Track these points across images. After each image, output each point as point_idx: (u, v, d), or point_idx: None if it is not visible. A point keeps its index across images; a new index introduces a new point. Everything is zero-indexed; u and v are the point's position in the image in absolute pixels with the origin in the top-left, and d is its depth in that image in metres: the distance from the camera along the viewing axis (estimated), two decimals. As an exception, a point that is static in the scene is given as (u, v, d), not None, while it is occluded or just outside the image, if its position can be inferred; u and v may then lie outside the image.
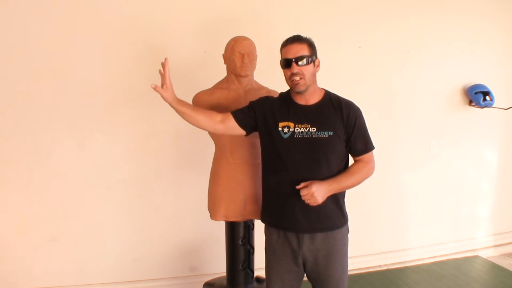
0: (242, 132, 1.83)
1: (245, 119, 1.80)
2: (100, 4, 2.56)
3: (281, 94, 1.86)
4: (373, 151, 1.81)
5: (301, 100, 1.75)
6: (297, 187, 1.65)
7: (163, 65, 1.73)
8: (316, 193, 1.62)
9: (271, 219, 1.84)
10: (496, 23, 3.45)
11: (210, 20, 2.73)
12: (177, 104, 1.77)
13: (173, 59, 2.64)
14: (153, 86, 1.70)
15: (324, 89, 1.81)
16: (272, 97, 1.88)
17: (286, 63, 1.69)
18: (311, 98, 1.75)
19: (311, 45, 1.71)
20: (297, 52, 1.67)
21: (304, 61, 1.67)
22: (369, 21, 3.09)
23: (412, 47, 3.22)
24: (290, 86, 1.73)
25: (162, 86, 1.73)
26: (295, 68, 1.67)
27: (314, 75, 1.73)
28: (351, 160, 1.82)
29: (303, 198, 1.64)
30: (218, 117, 1.81)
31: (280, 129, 1.72)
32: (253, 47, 2.09)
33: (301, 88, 1.69)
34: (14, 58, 2.49)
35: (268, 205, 1.85)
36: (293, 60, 1.67)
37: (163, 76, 1.73)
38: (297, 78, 1.67)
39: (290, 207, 1.73)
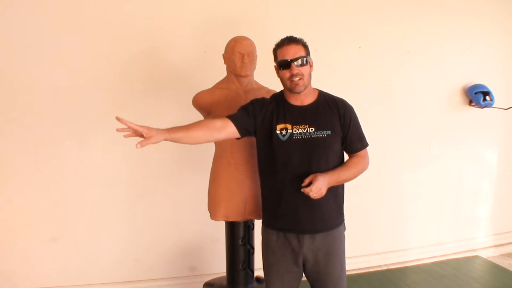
0: (237, 136, 1.77)
1: (247, 126, 1.75)
2: (101, 5, 2.56)
3: (274, 95, 1.84)
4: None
5: (296, 101, 1.75)
6: (303, 184, 1.63)
7: (122, 122, 1.48)
8: (322, 185, 1.62)
9: (272, 221, 1.83)
10: (496, 23, 3.45)
11: (210, 20, 2.73)
12: (171, 135, 1.59)
13: (173, 59, 2.71)
14: (139, 146, 1.47)
15: (317, 89, 1.81)
16: (266, 98, 1.84)
17: (285, 64, 1.68)
18: (306, 99, 1.75)
19: (305, 46, 1.72)
20: (295, 53, 1.67)
21: (303, 61, 1.68)
22: (369, 21, 3.09)
23: (412, 47, 3.22)
24: (289, 87, 1.72)
25: (143, 136, 1.50)
26: (295, 69, 1.67)
27: (310, 75, 1.74)
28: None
29: (311, 193, 1.60)
30: (217, 123, 1.71)
31: (278, 131, 1.72)
32: (253, 47, 2.10)
33: (300, 88, 1.69)
34: (13, 59, 2.49)
35: (268, 207, 1.85)
36: (292, 61, 1.67)
37: (135, 129, 1.49)
38: (297, 78, 1.67)
39: (293, 208, 1.73)
